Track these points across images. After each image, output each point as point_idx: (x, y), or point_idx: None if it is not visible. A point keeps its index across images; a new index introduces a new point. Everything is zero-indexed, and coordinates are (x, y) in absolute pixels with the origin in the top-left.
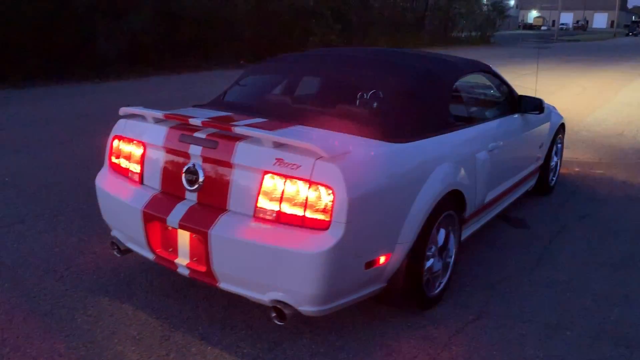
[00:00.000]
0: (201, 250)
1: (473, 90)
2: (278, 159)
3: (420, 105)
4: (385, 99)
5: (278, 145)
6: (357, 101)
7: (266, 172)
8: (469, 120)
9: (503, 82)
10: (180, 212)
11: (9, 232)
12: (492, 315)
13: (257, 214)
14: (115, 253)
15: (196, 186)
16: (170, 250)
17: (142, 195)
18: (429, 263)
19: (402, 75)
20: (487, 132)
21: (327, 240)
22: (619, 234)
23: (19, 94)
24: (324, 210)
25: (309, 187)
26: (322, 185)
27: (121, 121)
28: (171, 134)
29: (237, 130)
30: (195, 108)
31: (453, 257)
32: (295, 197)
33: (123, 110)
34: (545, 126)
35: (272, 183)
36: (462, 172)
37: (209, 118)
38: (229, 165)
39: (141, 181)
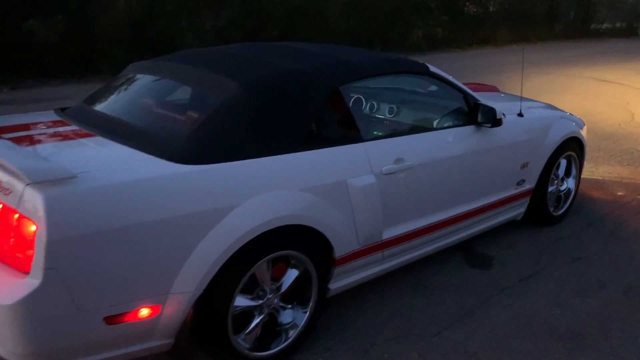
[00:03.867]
0: None
1: (388, 97)
2: None
3: (249, 117)
4: (204, 108)
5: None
6: (178, 110)
7: None
8: (353, 136)
9: (452, 87)
10: None
11: None
12: None
13: None
14: None
15: None
16: None
17: None
18: (258, 318)
19: (240, 79)
20: (383, 150)
21: (21, 289)
22: (608, 285)
23: None
24: (27, 250)
25: (17, 219)
26: (27, 218)
27: None
28: None
29: None
30: (51, 112)
31: (311, 306)
32: (5, 229)
33: None
34: (537, 140)
35: None
36: (318, 202)
37: None
38: None
39: None
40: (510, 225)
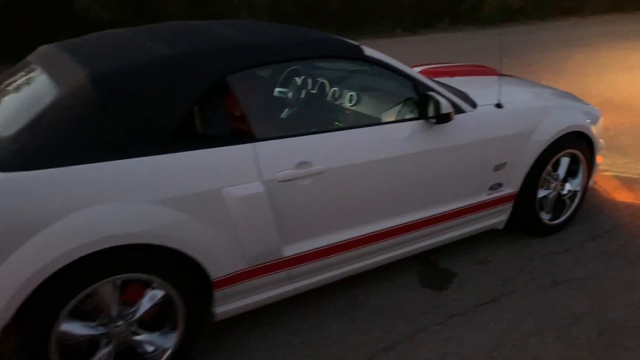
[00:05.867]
0: None
1: (311, 87)
2: None
3: (88, 114)
4: (44, 105)
5: None
6: (27, 109)
7: None
8: (240, 135)
9: (397, 74)
10: None
11: None
12: None
13: None
14: None
15: None
16: None
17: None
18: (105, 348)
19: (91, 70)
20: (281, 151)
21: None
22: (583, 320)
23: None
24: None
25: None
26: None
27: None
28: None
29: None
30: None
31: (176, 340)
32: None
33: None
34: (518, 136)
35: None
36: (178, 216)
37: None
38: None
39: None
40: (492, 235)
